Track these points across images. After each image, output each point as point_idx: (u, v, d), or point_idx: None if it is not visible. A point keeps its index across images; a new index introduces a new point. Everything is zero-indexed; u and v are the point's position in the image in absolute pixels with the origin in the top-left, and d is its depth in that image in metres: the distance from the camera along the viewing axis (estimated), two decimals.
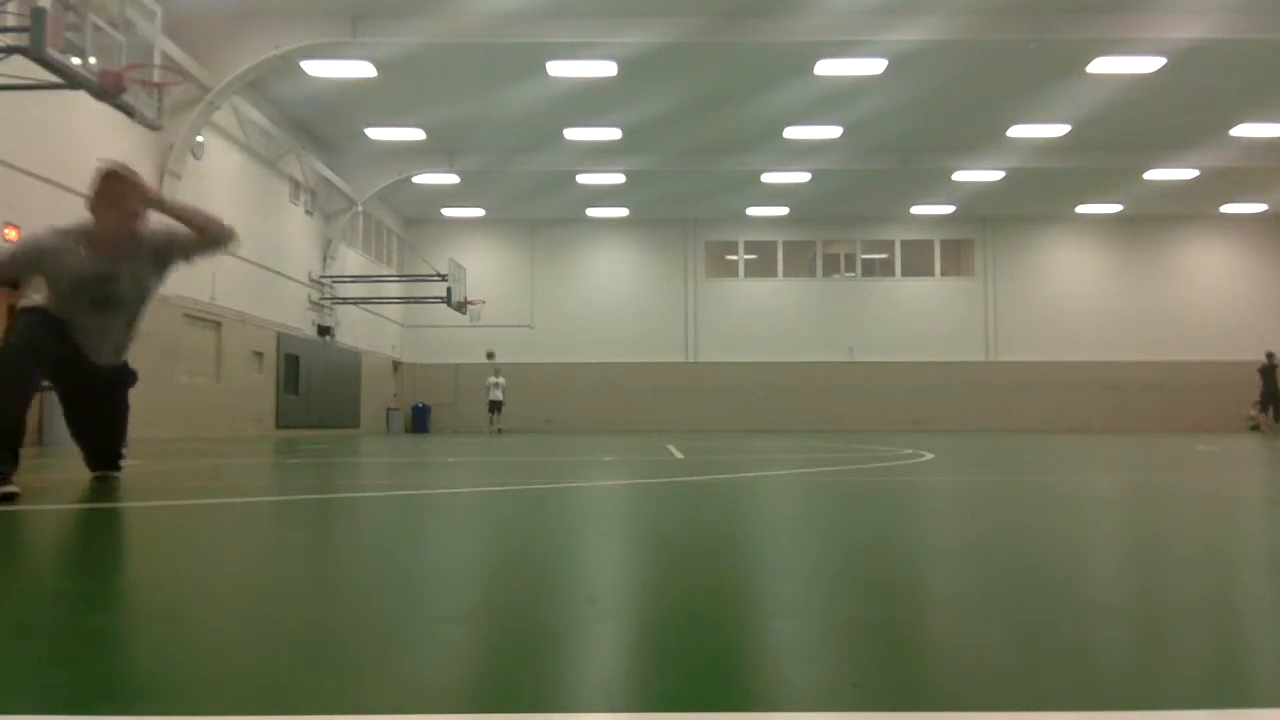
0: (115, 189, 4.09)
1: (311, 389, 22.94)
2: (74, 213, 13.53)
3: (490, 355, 27.07)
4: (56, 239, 4.11)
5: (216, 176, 18.89)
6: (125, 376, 4.37)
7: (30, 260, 4.12)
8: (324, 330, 24.11)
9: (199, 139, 17.59)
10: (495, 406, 26.23)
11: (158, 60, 11.40)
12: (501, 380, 26.62)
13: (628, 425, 29.08)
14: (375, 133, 22.54)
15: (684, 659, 1.23)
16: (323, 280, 24.27)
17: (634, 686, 1.12)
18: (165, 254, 4.23)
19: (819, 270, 31.71)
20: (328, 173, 23.10)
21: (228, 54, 16.64)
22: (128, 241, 4.12)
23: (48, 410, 13.00)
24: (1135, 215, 30.14)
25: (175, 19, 13.25)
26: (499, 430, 25.60)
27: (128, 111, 10.61)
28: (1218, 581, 1.91)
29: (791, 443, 12.74)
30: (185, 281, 17.20)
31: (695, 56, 17.83)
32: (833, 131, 22.25)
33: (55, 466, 6.76)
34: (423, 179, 25.60)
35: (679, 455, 8.43)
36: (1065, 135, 22.57)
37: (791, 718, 0.99)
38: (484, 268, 29.71)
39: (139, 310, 4.31)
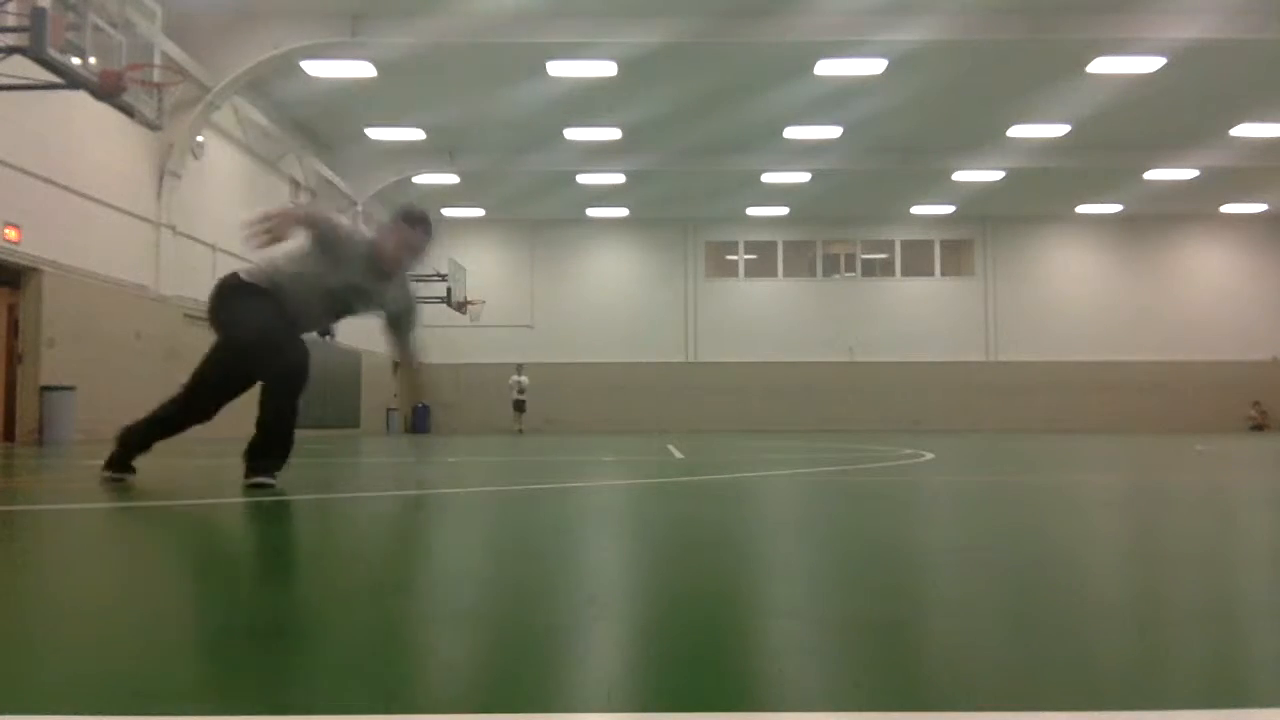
0: (424, 242, 4.42)
1: (311, 389, 22.82)
2: (74, 212, 13.50)
3: (519, 369, 26.96)
4: (352, 234, 4.33)
5: (216, 176, 18.90)
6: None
7: (328, 237, 4.23)
8: (324, 331, 24.06)
9: (199, 139, 17.59)
10: (519, 406, 26.06)
11: (158, 60, 11.40)
12: (524, 380, 26.37)
13: (628, 425, 29.07)
14: (375, 133, 22.54)
15: (684, 659, 1.23)
16: None
17: (634, 686, 1.12)
18: (398, 300, 4.52)
19: (819, 270, 31.71)
20: (328, 173, 23.10)
21: (228, 54, 16.65)
22: (396, 272, 4.42)
23: (47, 411, 13.01)
24: (1135, 215, 30.14)
25: (175, 19, 13.24)
26: (520, 430, 25.35)
27: (128, 111, 10.60)
28: (1218, 581, 1.91)
29: (791, 443, 12.74)
30: (185, 281, 17.21)
31: (695, 56, 17.83)
32: (833, 131, 22.25)
33: (56, 466, 6.76)
34: (423, 179, 25.60)
35: (679, 455, 8.43)
36: (1065, 135, 22.57)
37: (791, 718, 1.00)
38: (484, 268, 29.71)
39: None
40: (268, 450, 4.23)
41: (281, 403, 4.22)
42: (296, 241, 4.27)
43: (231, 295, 4.27)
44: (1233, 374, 30.12)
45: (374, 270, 4.33)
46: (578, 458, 8.32)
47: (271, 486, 4.08)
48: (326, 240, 4.22)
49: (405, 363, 4.74)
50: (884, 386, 30.13)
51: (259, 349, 4.18)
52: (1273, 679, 1.18)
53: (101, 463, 4.48)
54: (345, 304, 4.40)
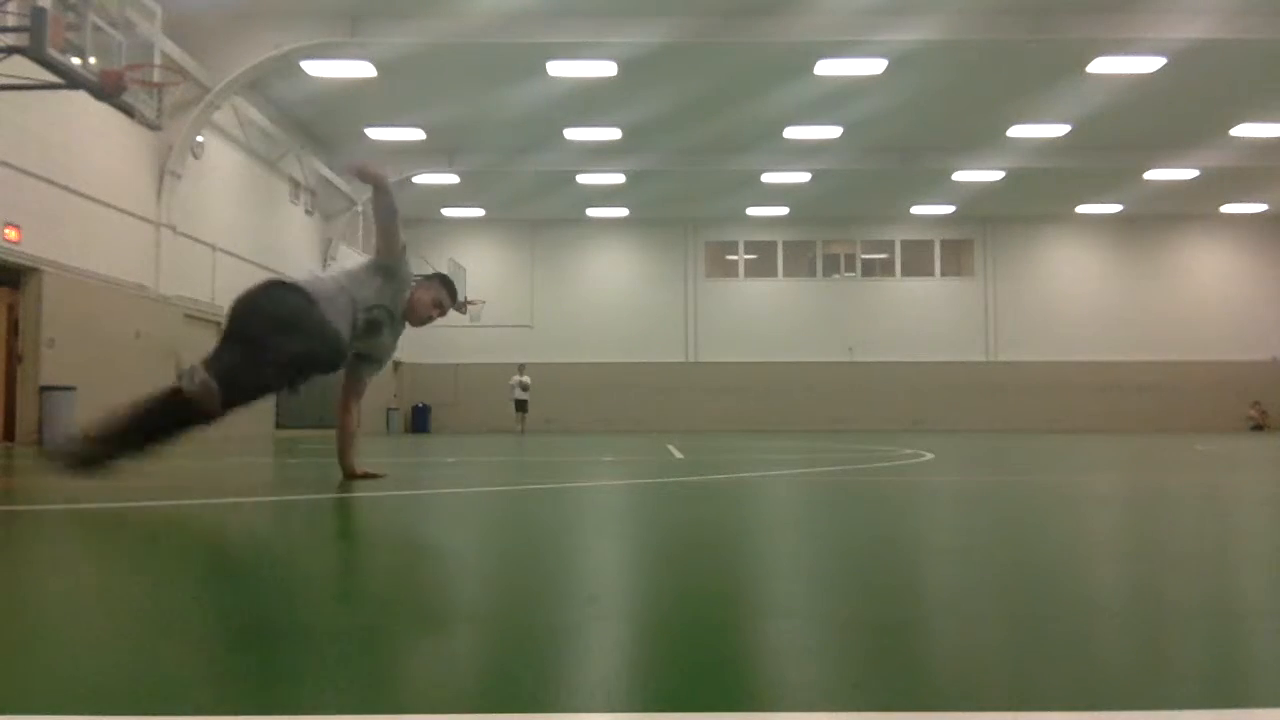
0: (449, 308, 4.70)
1: (311, 389, 22.82)
2: (74, 212, 13.47)
3: (521, 369, 26.55)
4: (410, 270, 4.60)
5: (216, 176, 18.90)
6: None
7: (397, 261, 4.47)
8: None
9: (199, 139, 17.59)
10: (521, 406, 25.50)
11: (158, 60, 11.40)
12: (526, 379, 25.81)
13: (628, 425, 29.07)
14: (375, 133, 22.54)
15: (684, 659, 1.23)
16: None
17: (634, 686, 1.12)
18: (390, 349, 4.75)
19: (819, 270, 31.70)
20: (328, 173, 23.11)
21: (228, 54, 16.65)
22: (414, 324, 4.70)
23: (47, 411, 13.00)
24: (1135, 215, 30.14)
25: (175, 19, 13.24)
26: (522, 431, 24.95)
27: (128, 111, 10.61)
28: (1218, 581, 1.91)
29: (791, 443, 12.74)
30: (185, 281, 17.22)
31: (695, 56, 17.83)
32: (833, 131, 22.25)
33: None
34: (423, 179, 25.60)
35: (679, 455, 8.43)
36: (1065, 135, 22.57)
37: (791, 718, 1.00)
38: (484, 268, 29.72)
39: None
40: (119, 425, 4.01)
41: (258, 390, 4.20)
42: (355, 262, 4.59)
43: (278, 289, 4.27)
44: (1233, 374, 30.12)
45: (401, 313, 4.55)
46: (577, 458, 8.32)
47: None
48: (393, 266, 4.43)
49: (356, 398, 4.73)
50: (884, 386, 30.13)
51: (298, 331, 4.15)
52: (1273, 679, 1.18)
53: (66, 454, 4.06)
54: (362, 332, 4.40)
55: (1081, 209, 29.84)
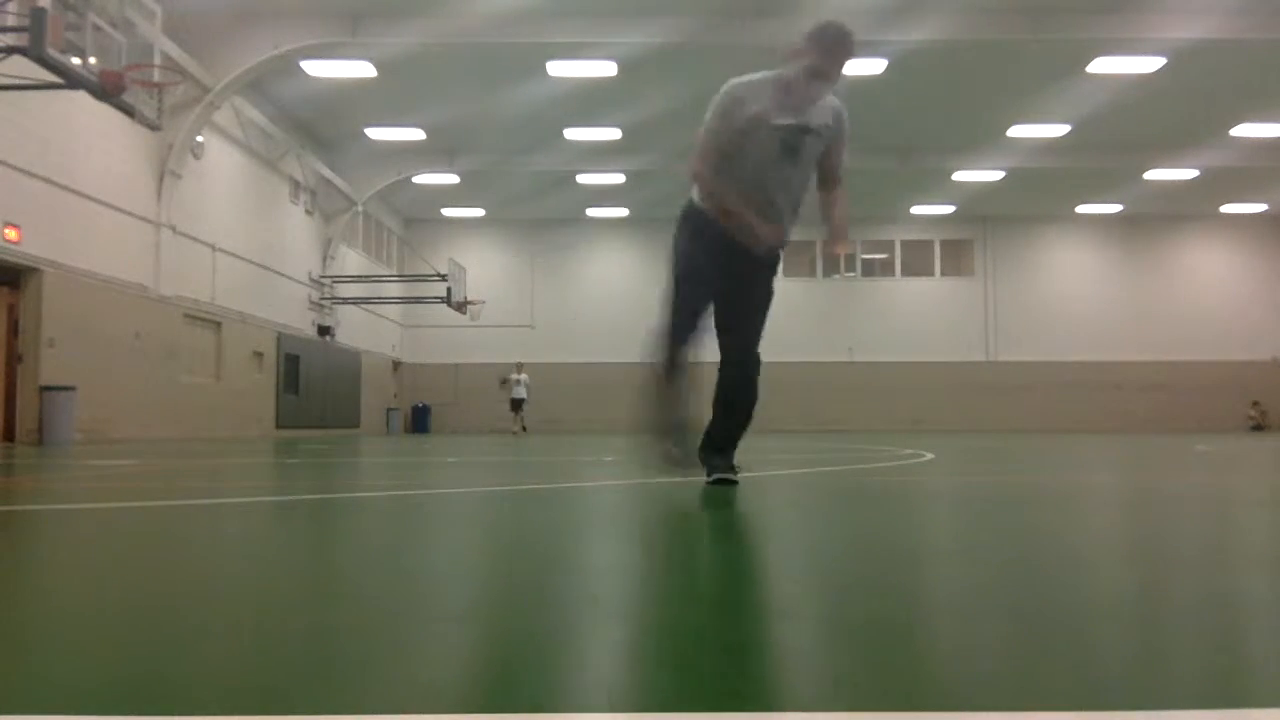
0: (843, 55, 4.10)
1: (311, 389, 22.95)
2: (74, 212, 13.56)
3: (519, 367, 26.39)
4: (746, 90, 4.14)
5: (216, 176, 18.90)
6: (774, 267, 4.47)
7: (733, 125, 4.05)
8: (324, 330, 24.12)
9: (199, 139, 17.60)
10: (517, 405, 25.36)
11: (158, 60, 11.41)
12: (524, 377, 25.63)
13: (628, 425, 29.04)
14: (375, 133, 22.55)
15: (684, 659, 1.23)
16: (323, 280, 24.28)
17: (634, 686, 1.11)
18: (833, 136, 4.28)
19: (819, 270, 31.70)
20: (328, 173, 23.11)
21: (228, 54, 16.66)
22: (821, 100, 4.15)
23: (47, 411, 13.02)
24: (1135, 215, 30.15)
25: (175, 19, 13.25)
26: (523, 429, 24.86)
27: (128, 111, 10.61)
28: (1218, 581, 1.91)
29: (791, 443, 12.74)
30: (185, 281, 17.22)
31: (695, 56, 17.83)
32: None
33: (57, 466, 6.76)
34: (423, 179, 25.61)
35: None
36: (1065, 135, 22.58)
37: (791, 718, 0.99)
38: (484, 268, 29.72)
39: (807, 180, 4.38)
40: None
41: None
42: None
43: None
44: (1233, 374, 30.13)
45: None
46: (578, 458, 8.32)
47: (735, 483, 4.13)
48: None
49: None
50: (884, 386, 30.14)
51: None
52: (1273, 679, 1.18)
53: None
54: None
55: (1081, 209, 29.85)
